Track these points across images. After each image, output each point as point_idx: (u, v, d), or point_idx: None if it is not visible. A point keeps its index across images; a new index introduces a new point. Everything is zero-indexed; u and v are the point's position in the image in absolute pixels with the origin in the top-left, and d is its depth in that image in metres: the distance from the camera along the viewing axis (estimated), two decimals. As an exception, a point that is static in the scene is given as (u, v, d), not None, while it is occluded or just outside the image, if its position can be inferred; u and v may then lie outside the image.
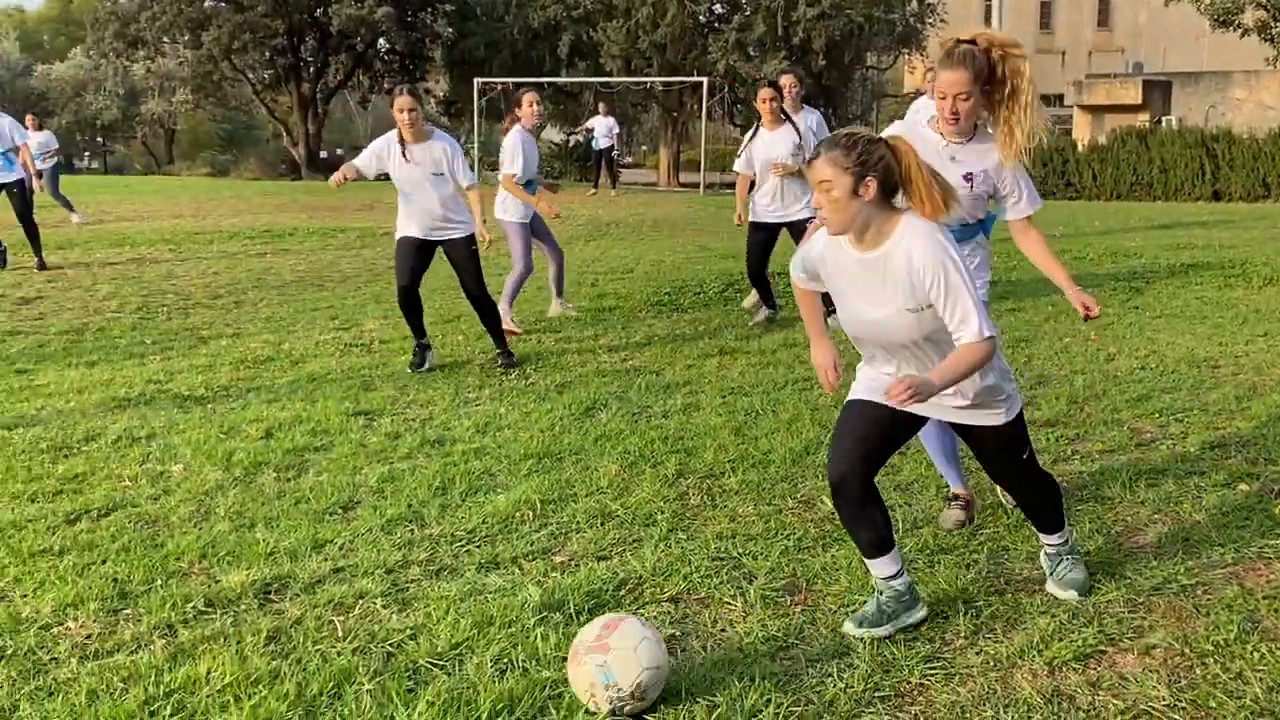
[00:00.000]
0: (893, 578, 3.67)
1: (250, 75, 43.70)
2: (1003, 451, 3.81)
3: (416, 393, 7.03)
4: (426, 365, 7.69)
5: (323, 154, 45.01)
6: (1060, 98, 39.61)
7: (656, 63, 34.58)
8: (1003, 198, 4.40)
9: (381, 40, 41.93)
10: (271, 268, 13.31)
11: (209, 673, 3.41)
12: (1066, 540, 4.03)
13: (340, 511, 4.90)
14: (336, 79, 42.99)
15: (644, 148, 58.19)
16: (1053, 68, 47.59)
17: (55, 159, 19.83)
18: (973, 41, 4.11)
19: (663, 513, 4.78)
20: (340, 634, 3.70)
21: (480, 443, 5.88)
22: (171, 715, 3.18)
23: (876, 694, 3.30)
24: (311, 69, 42.65)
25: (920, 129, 4.39)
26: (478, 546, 4.47)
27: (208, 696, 3.28)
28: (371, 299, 10.98)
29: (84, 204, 20.70)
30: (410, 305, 7.72)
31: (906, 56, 37.90)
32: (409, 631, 3.70)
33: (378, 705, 3.21)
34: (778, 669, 3.43)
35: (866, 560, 3.72)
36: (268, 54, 41.86)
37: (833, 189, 3.38)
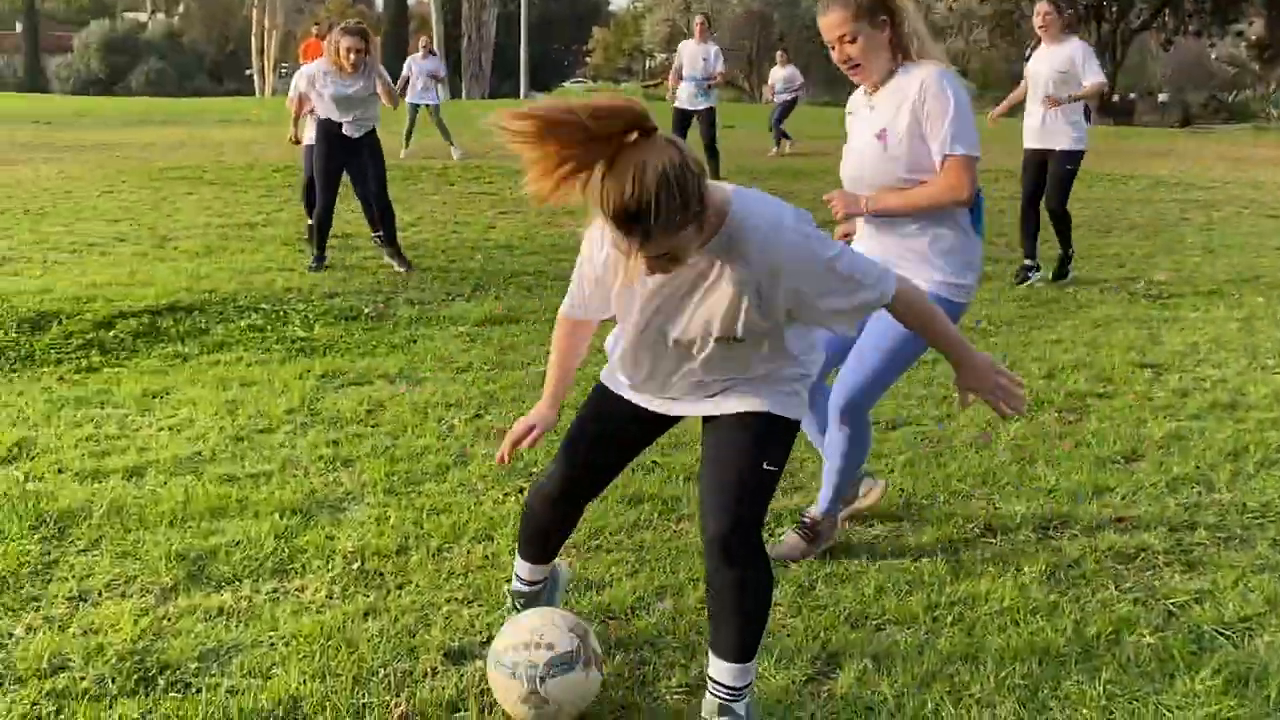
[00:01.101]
0: None
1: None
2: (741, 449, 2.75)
3: (1208, 352, 6.62)
4: None
5: (1115, 97, 43.41)
6: None
7: None
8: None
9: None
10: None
11: (988, 593, 3.53)
12: (749, 684, 2.76)
13: (1122, 462, 4.78)
14: (1139, 19, 41.10)
15: None
16: None
17: None
18: None
19: None
20: (1119, 582, 3.64)
21: (1278, 413, 5.41)
22: (952, 624, 3.34)
23: None
24: (1114, 8, 41.13)
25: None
26: (1273, 522, 4.14)
27: (986, 615, 3.40)
28: (1162, 249, 10.48)
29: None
30: None
31: None
32: (1194, 594, 3.54)
33: (1158, 661, 3.11)
34: None
35: None
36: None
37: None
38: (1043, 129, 8.67)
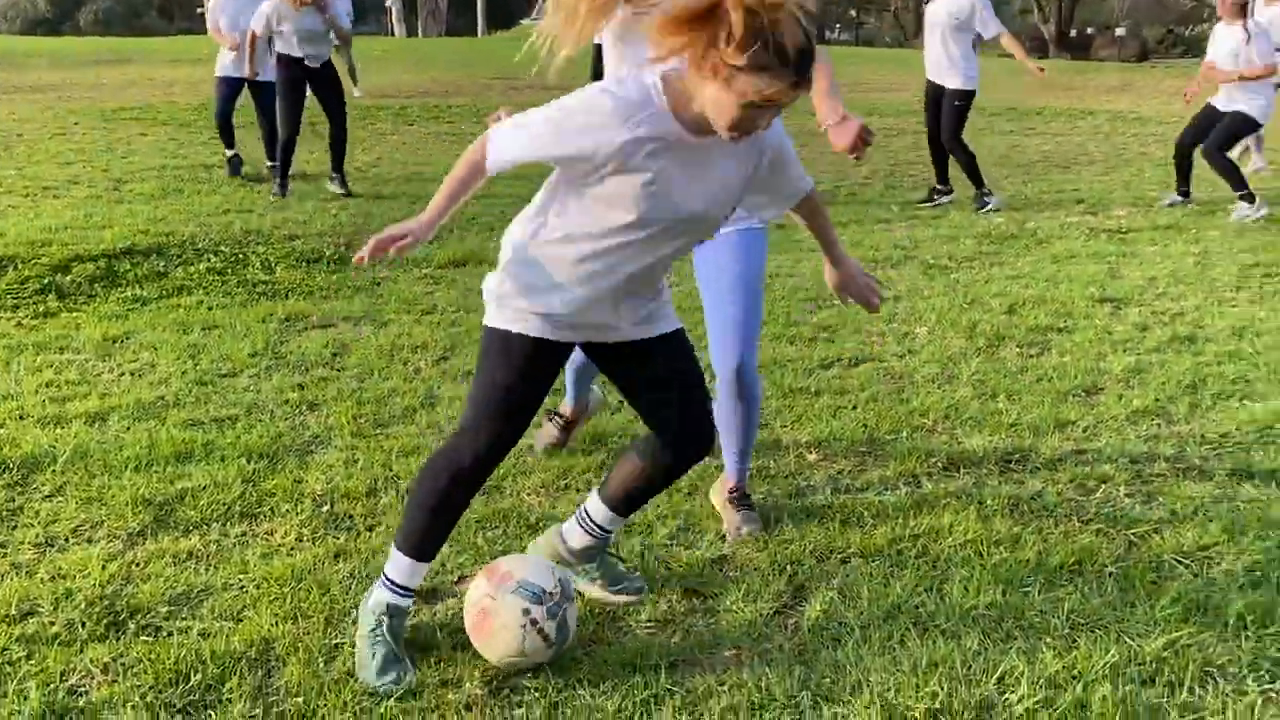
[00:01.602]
0: None
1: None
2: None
3: (1166, 286, 6.69)
4: None
5: (1073, 32, 43.39)
6: None
7: None
8: None
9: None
10: (1017, 146, 13.21)
11: (951, 526, 3.58)
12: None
13: (1083, 395, 4.84)
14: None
15: None
16: None
17: None
18: None
19: None
20: (1081, 514, 3.70)
21: (1235, 346, 5.49)
22: (917, 557, 3.39)
23: None
24: (1073, -58, 41.03)
25: None
26: (1230, 452, 4.21)
27: (949, 546, 3.45)
28: (1120, 185, 10.54)
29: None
30: None
31: None
32: (1154, 524, 3.60)
33: (1120, 590, 3.18)
34: None
35: None
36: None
37: None
38: (936, 66, 9.34)
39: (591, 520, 3.09)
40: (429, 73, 17.80)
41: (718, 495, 3.70)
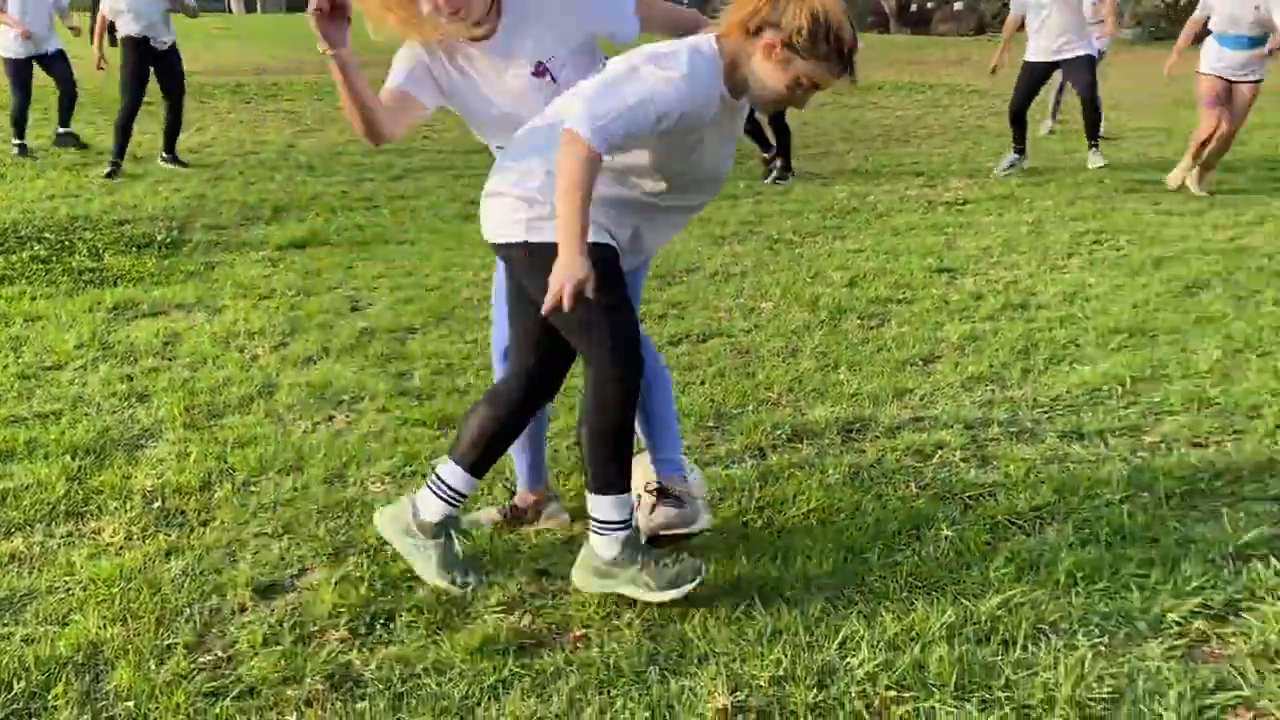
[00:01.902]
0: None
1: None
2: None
3: (1001, 255, 6.89)
4: None
5: (913, 6, 44.40)
6: None
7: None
8: None
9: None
10: (859, 120, 13.47)
11: (795, 495, 3.62)
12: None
13: (921, 364, 4.95)
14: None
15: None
16: None
17: None
18: None
19: (1270, 406, 4.38)
20: (919, 479, 3.78)
21: (1067, 311, 5.68)
22: (762, 528, 3.43)
23: None
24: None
25: None
26: (1061, 415, 4.36)
27: (793, 516, 3.50)
28: (958, 158, 10.82)
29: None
30: None
31: None
32: (988, 488, 3.71)
33: (955, 553, 3.26)
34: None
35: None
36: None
37: None
38: None
39: (446, 485, 3.06)
40: (268, 50, 17.31)
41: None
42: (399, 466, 3.87)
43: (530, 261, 2.79)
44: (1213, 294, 5.93)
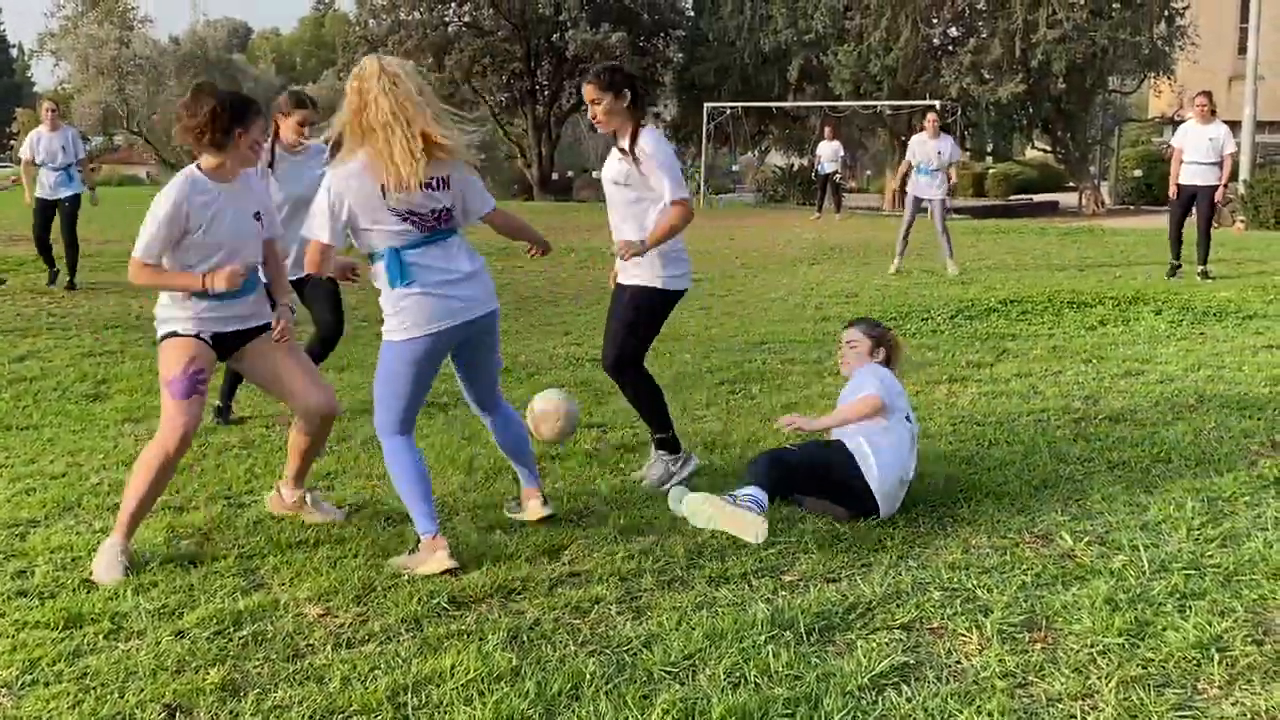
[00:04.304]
0: None
1: (488, 98, 45.22)
2: None
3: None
4: None
5: (554, 176, 46.23)
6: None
7: (887, 86, 34.12)
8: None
9: (614, 65, 42.77)
10: (509, 283, 13.77)
11: (453, 667, 3.56)
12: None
13: (575, 519, 5.03)
14: (570, 103, 44.10)
15: (869, 173, 57.45)
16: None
17: None
18: None
19: (892, 539, 4.72)
20: (576, 637, 3.80)
21: (707, 459, 5.94)
22: (419, 707, 3.33)
23: (1121, 736, 3.18)
24: (546, 93, 43.91)
25: None
26: (708, 561, 4.52)
27: (452, 689, 3.43)
28: (602, 316, 11.22)
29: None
30: None
31: (1153, 81, 36.22)
32: (643, 639, 3.77)
33: (614, 709, 3.28)
34: (1016, 706, 3.34)
35: None
36: (505, 78, 43.34)
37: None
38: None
39: None
40: None
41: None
42: (17, 677, 3.52)
43: None
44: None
